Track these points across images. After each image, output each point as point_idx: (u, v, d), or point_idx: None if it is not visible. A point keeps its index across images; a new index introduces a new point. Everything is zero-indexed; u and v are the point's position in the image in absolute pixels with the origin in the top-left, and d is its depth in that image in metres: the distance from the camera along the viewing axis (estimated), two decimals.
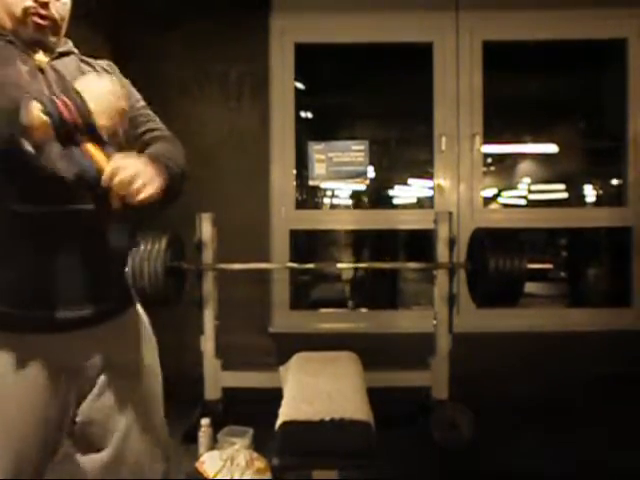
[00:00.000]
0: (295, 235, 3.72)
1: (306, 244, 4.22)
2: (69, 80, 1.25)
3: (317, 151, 3.57)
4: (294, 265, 3.49)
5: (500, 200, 4.99)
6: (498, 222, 3.57)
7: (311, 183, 3.67)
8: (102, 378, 1.31)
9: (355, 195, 4.54)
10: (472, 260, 2.95)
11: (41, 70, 1.24)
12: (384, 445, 1.80)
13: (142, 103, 1.46)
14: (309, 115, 4.21)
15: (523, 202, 4.97)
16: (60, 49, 1.32)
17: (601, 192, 4.27)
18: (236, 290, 3.30)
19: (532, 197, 4.87)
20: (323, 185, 4.06)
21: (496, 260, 2.70)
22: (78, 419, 1.31)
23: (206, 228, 3.00)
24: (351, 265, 4.49)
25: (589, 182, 4.34)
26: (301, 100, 3.74)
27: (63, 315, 1.23)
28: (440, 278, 2.99)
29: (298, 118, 3.73)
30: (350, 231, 4.42)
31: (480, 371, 3.14)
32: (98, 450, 1.33)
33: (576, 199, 4.52)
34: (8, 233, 1.19)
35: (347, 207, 4.62)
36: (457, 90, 3.60)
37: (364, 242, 4.61)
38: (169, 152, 1.35)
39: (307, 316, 3.73)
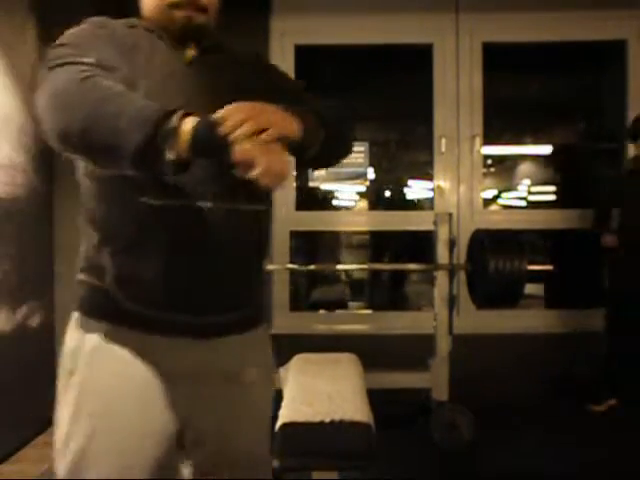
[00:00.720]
0: (295, 236, 3.72)
1: (306, 245, 4.22)
2: (216, 77, 1.20)
3: None
4: (294, 266, 3.48)
5: (500, 201, 5.00)
6: (498, 223, 3.56)
7: (311, 184, 3.67)
8: (221, 392, 1.15)
9: (355, 196, 4.55)
10: (472, 261, 2.95)
11: (190, 64, 1.18)
12: (384, 446, 1.80)
13: (294, 86, 1.35)
14: None
15: (523, 203, 4.98)
16: (209, 43, 1.24)
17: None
18: None
19: (532, 198, 4.88)
20: (323, 186, 4.07)
21: (496, 261, 2.70)
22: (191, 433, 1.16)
23: None
24: (351, 266, 4.50)
25: (588, 183, 4.34)
26: None
27: (200, 320, 1.11)
28: (440, 279, 2.98)
29: None
30: (351, 232, 4.42)
31: (480, 372, 3.14)
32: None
33: (576, 200, 4.52)
34: (141, 228, 1.07)
35: (347, 208, 4.63)
36: (457, 91, 3.60)
37: (364, 243, 4.61)
38: (320, 111, 1.21)
39: (307, 317, 3.73)
